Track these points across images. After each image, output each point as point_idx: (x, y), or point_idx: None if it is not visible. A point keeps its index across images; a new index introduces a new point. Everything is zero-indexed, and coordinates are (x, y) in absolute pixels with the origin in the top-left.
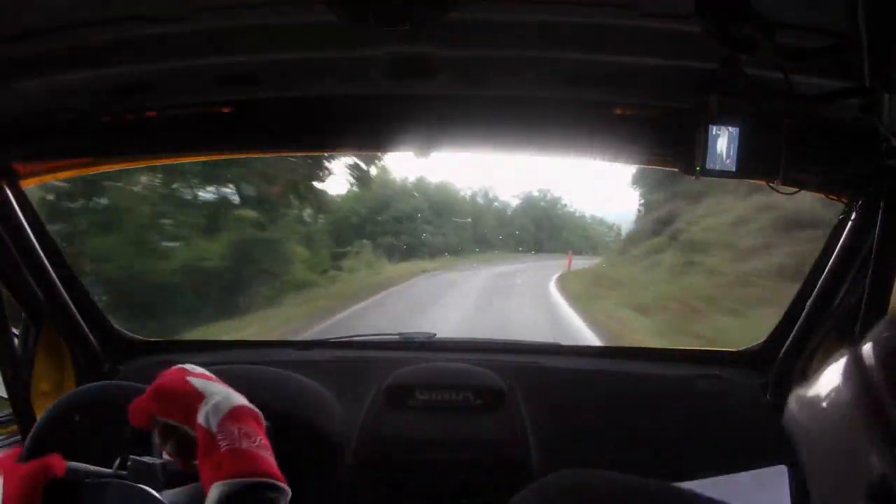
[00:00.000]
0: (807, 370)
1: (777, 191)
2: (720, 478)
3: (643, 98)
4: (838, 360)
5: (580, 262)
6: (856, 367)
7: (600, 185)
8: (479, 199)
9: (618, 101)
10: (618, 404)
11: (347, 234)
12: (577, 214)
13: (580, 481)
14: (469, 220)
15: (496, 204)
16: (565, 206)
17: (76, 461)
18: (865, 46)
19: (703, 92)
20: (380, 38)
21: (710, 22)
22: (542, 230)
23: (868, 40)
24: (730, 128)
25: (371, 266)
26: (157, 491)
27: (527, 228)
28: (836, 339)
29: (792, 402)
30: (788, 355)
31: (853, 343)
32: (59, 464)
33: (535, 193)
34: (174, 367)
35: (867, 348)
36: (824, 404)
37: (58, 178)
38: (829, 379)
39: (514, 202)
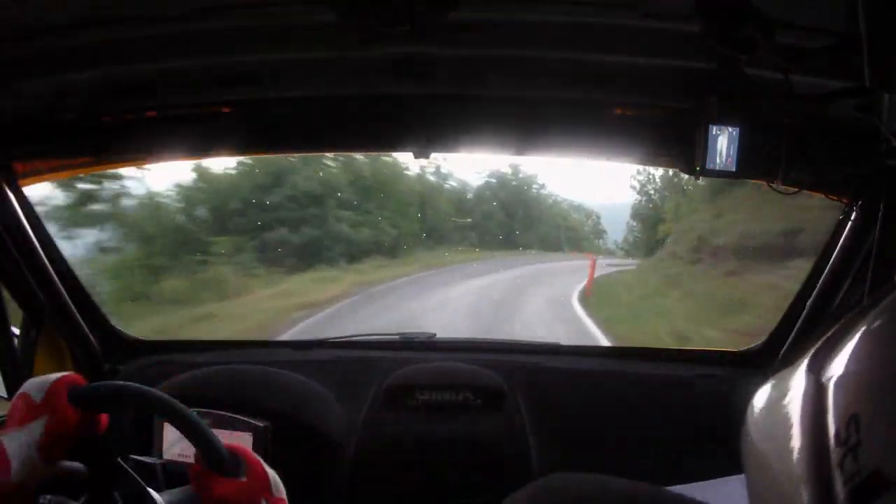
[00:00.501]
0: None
1: (777, 191)
2: (711, 482)
3: (643, 98)
4: (799, 383)
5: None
6: (812, 407)
7: (575, 165)
8: (431, 177)
9: (618, 101)
10: (618, 404)
11: (214, 228)
12: (553, 199)
13: (569, 485)
14: (414, 206)
15: (452, 183)
16: (542, 186)
17: (76, 461)
18: (865, 46)
19: (703, 92)
20: (380, 38)
21: (710, 22)
22: (514, 218)
23: (868, 40)
24: (730, 128)
25: (221, 289)
26: (157, 491)
27: (493, 216)
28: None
29: (750, 416)
30: (789, 355)
31: (815, 363)
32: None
33: (506, 171)
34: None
35: (830, 389)
36: (777, 433)
37: (58, 178)
38: (787, 405)
39: (477, 181)
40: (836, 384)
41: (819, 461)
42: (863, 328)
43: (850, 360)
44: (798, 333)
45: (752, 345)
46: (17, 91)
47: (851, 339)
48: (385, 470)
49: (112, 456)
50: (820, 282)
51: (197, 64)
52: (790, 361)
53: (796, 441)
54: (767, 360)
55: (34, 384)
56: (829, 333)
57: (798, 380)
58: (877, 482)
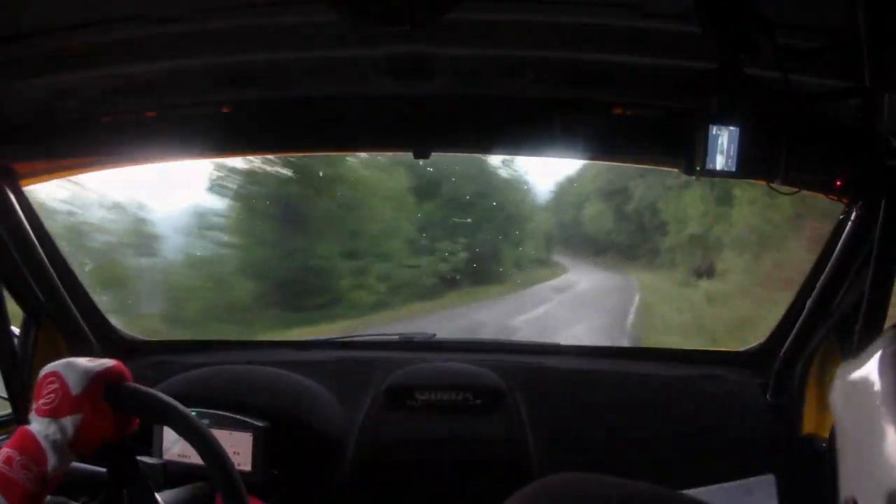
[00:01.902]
0: (807, 370)
1: (777, 191)
2: (710, 487)
3: (643, 98)
4: (882, 345)
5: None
6: (892, 362)
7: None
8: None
9: (618, 101)
10: (618, 404)
11: None
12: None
13: (570, 486)
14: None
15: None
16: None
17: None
18: (865, 46)
19: (703, 92)
20: (380, 38)
21: (710, 22)
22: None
23: (868, 40)
24: (730, 128)
25: None
26: (157, 491)
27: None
28: (836, 339)
29: (836, 383)
30: (788, 355)
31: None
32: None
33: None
34: None
35: None
36: (859, 393)
37: (57, 178)
38: (868, 367)
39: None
40: None
41: None
42: None
43: None
44: (798, 333)
45: (752, 345)
46: (17, 91)
47: None
48: (385, 470)
49: (132, 456)
50: (820, 282)
51: (197, 64)
52: (791, 361)
53: (878, 409)
54: (767, 360)
55: (75, 369)
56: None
57: (877, 346)
58: None
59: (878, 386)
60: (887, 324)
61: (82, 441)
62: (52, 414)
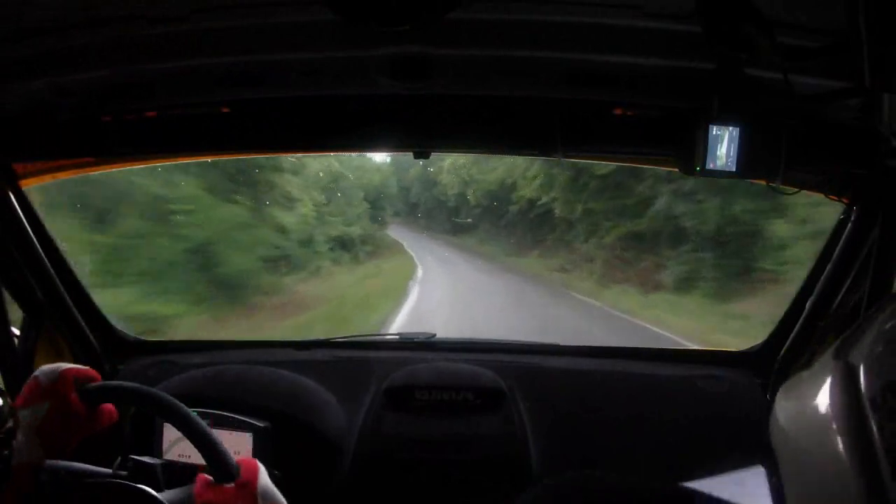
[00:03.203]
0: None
1: (777, 191)
2: (701, 481)
3: (643, 98)
4: (826, 370)
5: None
6: (844, 384)
7: None
8: None
9: (618, 101)
10: (618, 404)
11: None
12: None
13: (582, 484)
14: None
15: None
16: None
17: (76, 461)
18: (865, 46)
19: (703, 92)
20: (380, 38)
21: (710, 22)
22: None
23: (868, 40)
24: (730, 128)
25: None
26: (157, 491)
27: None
28: (836, 339)
29: (778, 411)
30: (788, 355)
31: (841, 351)
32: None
33: None
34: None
35: (860, 366)
36: (809, 419)
37: (58, 178)
38: (817, 391)
39: None
40: (867, 363)
41: (858, 432)
42: (891, 312)
43: (877, 340)
44: (798, 333)
45: (752, 345)
46: (17, 91)
47: (878, 325)
48: (385, 470)
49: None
50: (820, 282)
51: (197, 64)
52: (791, 361)
53: (832, 422)
54: (767, 360)
55: (45, 370)
56: (853, 327)
57: (824, 368)
58: None
59: (829, 411)
60: None
61: (48, 429)
62: (23, 403)
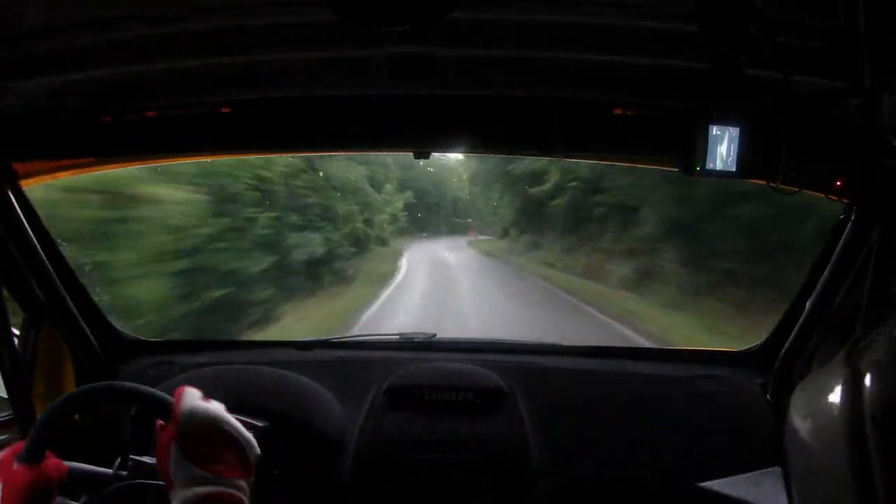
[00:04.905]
0: (807, 371)
1: (777, 191)
2: (717, 481)
3: (643, 98)
4: (837, 375)
5: None
6: (850, 394)
7: None
8: None
9: (618, 101)
10: (618, 404)
11: None
12: None
13: (582, 484)
14: None
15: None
16: None
17: (76, 461)
18: (865, 46)
19: (703, 92)
20: (380, 38)
21: (710, 22)
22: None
23: (868, 40)
24: (730, 128)
25: None
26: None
27: None
28: (836, 339)
29: (792, 407)
30: (788, 355)
31: (852, 355)
32: (61, 470)
33: None
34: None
35: (867, 376)
36: (816, 422)
37: (57, 178)
38: (826, 396)
39: None
40: (873, 371)
41: (857, 443)
42: None
43: (888, 350)
44: (798, 333)
45: (752, 345)
46: (17, 91)
47: (890, 330)
48: (385, 470)
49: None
50: (820, 282)
51: (197, 64)
52: (791, 361)
53: (835, 429)
54: (767, 360)
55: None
56: (866, 329)
57: (835, 372)
58: None
59: (835, 416)
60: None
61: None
62: None
